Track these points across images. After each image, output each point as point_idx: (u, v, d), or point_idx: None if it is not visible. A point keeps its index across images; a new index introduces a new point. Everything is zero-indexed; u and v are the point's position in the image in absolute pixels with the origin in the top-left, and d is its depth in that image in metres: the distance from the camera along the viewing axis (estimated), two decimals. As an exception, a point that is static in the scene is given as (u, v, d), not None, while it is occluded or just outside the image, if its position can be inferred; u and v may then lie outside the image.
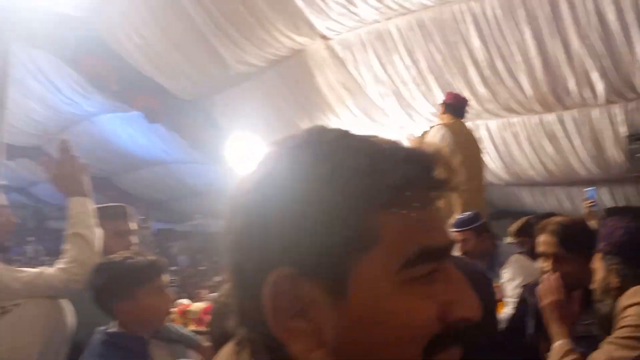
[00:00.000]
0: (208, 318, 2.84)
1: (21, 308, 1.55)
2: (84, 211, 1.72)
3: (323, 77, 5.32)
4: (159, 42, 5.38)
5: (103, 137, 7.57)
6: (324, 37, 4.96)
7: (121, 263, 1.49)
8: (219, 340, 1.08)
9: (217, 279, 6.50)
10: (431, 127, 3.58)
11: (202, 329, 2.62)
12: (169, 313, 1.80)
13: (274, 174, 0.44)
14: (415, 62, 4.72)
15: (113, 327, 1.49)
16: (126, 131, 7.53)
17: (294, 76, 5.52)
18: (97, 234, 1.73)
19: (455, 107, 3.56)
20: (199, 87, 6.09)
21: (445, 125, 3.42)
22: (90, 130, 7.38)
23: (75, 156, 1.74)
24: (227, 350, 0.47)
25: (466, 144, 3.38)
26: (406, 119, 5.23)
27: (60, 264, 1.63)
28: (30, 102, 6.31)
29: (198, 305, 3.01)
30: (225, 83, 5.91)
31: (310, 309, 0.42)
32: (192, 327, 2.66)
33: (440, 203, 0.46)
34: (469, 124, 3.85)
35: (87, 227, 1.69)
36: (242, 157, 5.84)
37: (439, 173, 0.44)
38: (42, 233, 10.17)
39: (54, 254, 1.75)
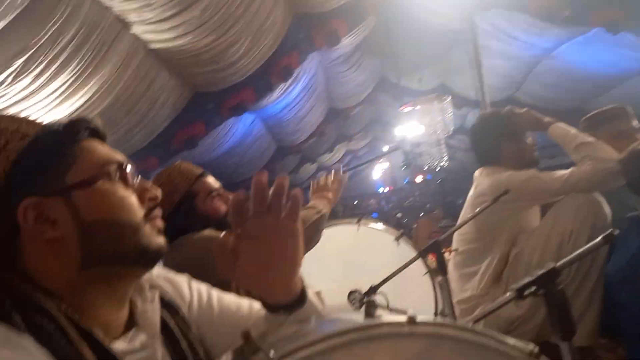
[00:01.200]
0: None
1: (562, 203, 1.85)
2: (564, 131, 1.96)
3: None
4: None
5: (566, 67, 7.45)
6: None
7: None
8: None
9: None
10: None
11: None
12: None
13: None
14: None
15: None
16: (588, 53, 7.11)
17: None
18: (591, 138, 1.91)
19: None
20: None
21: None
22: (552, 66, 7.44)
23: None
24: None
25: None
26: None
27: (582, 166, 1.84)
28: (495, 60, 7.01)
29: None
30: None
31: None
32: None
33: None
34: None
35: (580, 138, 1.90)
36: None
37: None
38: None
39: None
